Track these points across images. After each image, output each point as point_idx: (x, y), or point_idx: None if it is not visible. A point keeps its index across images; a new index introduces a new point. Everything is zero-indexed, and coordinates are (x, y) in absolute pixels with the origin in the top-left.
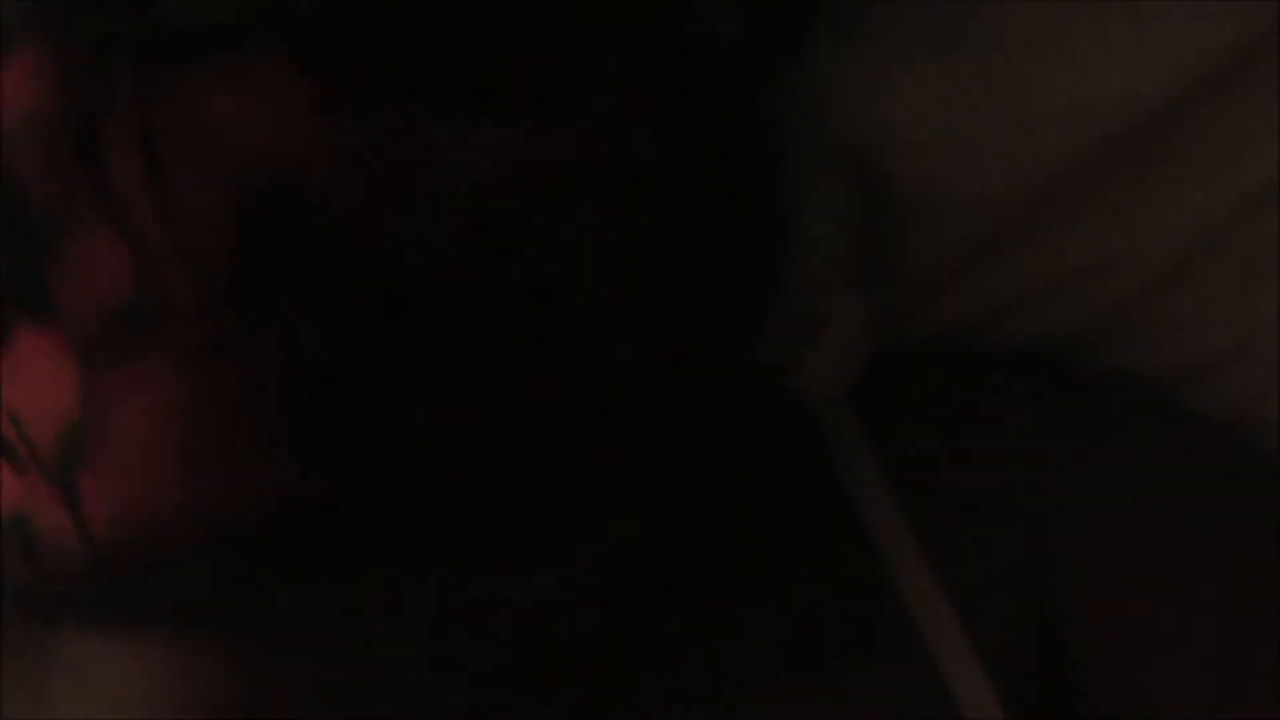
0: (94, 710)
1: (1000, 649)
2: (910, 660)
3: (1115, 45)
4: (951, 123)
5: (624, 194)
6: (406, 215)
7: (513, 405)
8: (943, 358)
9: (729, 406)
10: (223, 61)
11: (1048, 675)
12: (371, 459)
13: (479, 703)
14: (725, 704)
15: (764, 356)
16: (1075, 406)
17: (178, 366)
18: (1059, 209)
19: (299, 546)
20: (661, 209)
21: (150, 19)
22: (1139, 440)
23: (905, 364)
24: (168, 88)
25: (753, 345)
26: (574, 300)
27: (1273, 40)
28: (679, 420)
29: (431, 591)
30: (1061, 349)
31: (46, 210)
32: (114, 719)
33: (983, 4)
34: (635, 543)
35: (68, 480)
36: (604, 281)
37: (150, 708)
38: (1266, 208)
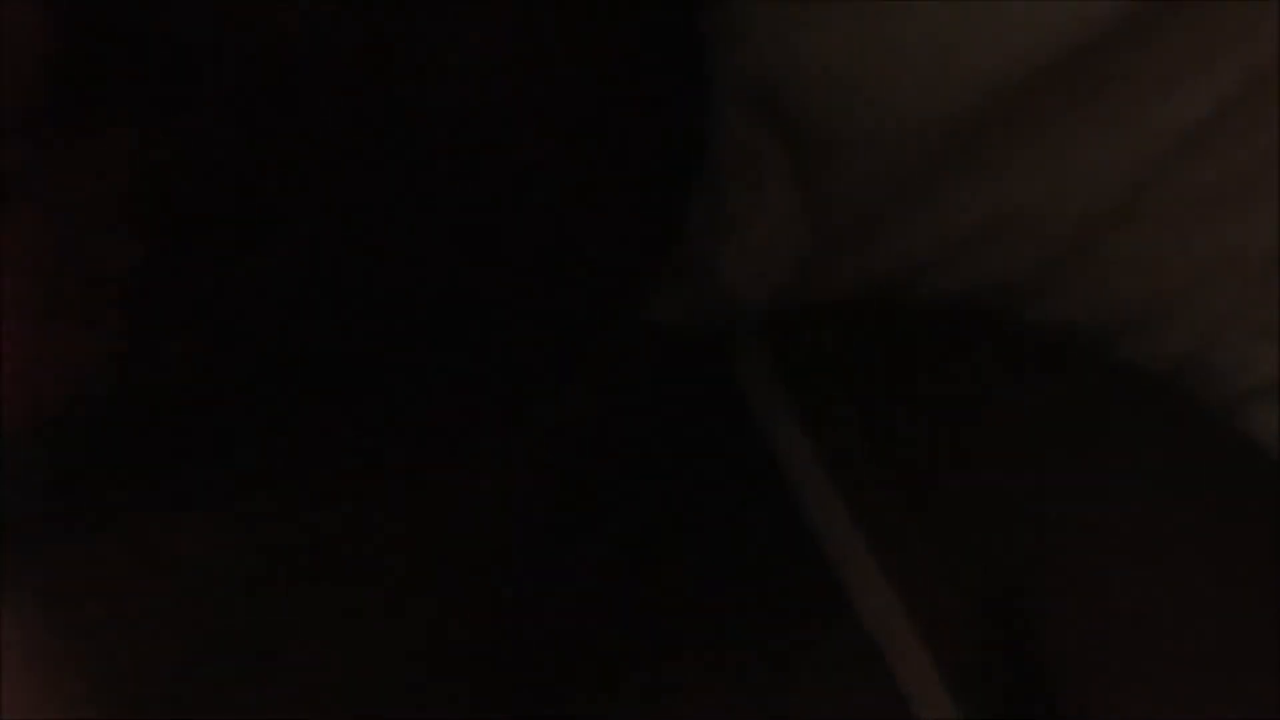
0: None
1: (959, 652)
2: (860, 662)
3: None
4: (864, 54)
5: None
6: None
7: (424, 248)
8: (870, 311)
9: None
10: None
11: (1013, 681)
12: (245, 320)
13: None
14: (656, 705)
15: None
16: (1027, 370)
17: None
18: (986, 148)
19: (147, 442)
20: (578, 22)
21: None
22: (1107, 412)
23: (829, 319)
24: None
25: (677, 230)
26: (483, 122)
27: None
28: (600, 303)
29: (334, 506)
30: (996, 300)
31: None
32: None
33: None
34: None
35: None
36: (517, 103)
37: None
38: (1206, 145)
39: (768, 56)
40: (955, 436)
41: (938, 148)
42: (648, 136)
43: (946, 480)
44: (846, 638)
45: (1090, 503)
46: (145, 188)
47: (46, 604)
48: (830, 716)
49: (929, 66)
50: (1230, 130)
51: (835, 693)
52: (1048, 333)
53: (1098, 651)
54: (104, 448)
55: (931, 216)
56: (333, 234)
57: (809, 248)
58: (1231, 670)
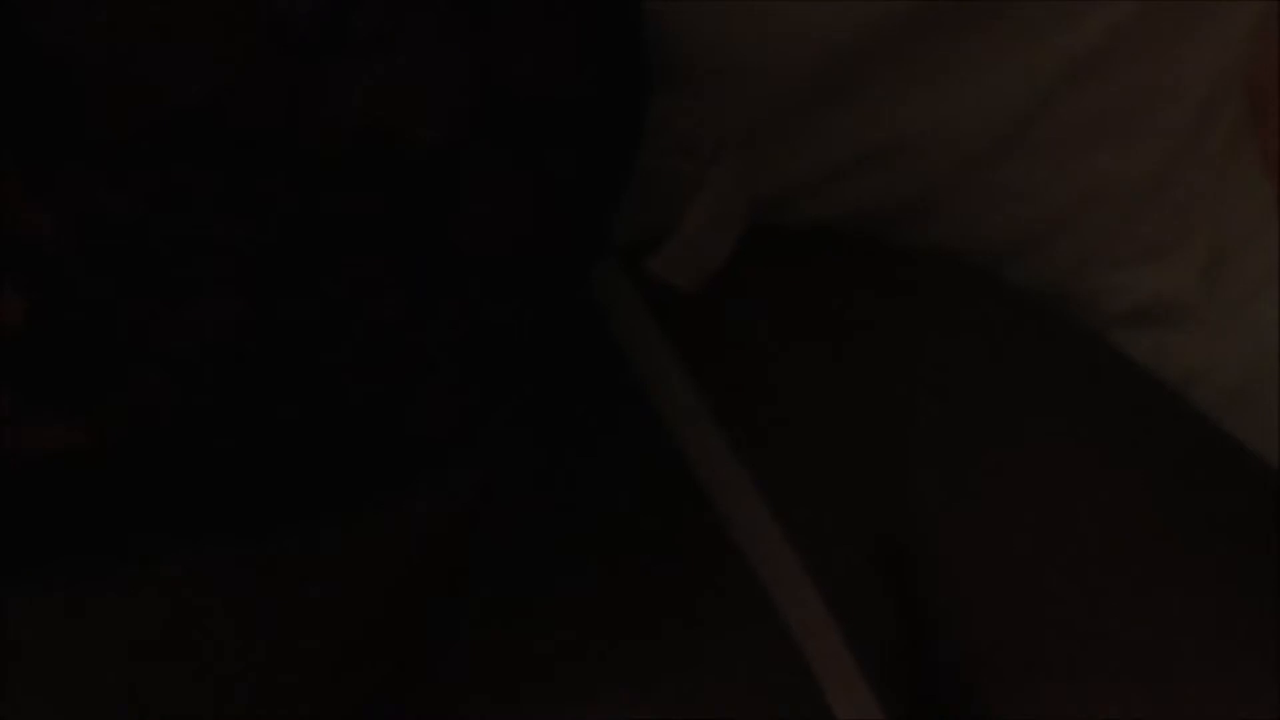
0: None
1: (853, 599)
2: (756, 616)
3: None
4: None
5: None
6: (169, 33)
7: (340, 298)
8: (756, 236)
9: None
10: None
11: (904, 626)
12: (137, 390)
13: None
14: (552, 679)
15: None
16: (920, 299)
17: None
18: (870, 79)
19: (39, 517)
20: (511, 22)
21: None
22: (1004, 345)
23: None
24: None
25: (611, 216)
26: (411, 142)
27: None
28: (535, 310)
29: (223, 563)
30: (877, 225)
31: None
32: None
33: None
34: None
35: None
36: (451, 113)
37: None
38: (1093, 75)
39: None
40: (843, 376)
41: (818, 78)
42: (591, 145)
43: (833, 423)
44: (737, 587)
45: (994, 445)
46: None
47: None
48: (724, 659)
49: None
50: (1117, 60)
51: (730, 654)
52: (933, 259)
53: (994, 599)
54: None
55: (813, 144)
56: (259, 289)
57: (744, 230)
58: (1127, 602)
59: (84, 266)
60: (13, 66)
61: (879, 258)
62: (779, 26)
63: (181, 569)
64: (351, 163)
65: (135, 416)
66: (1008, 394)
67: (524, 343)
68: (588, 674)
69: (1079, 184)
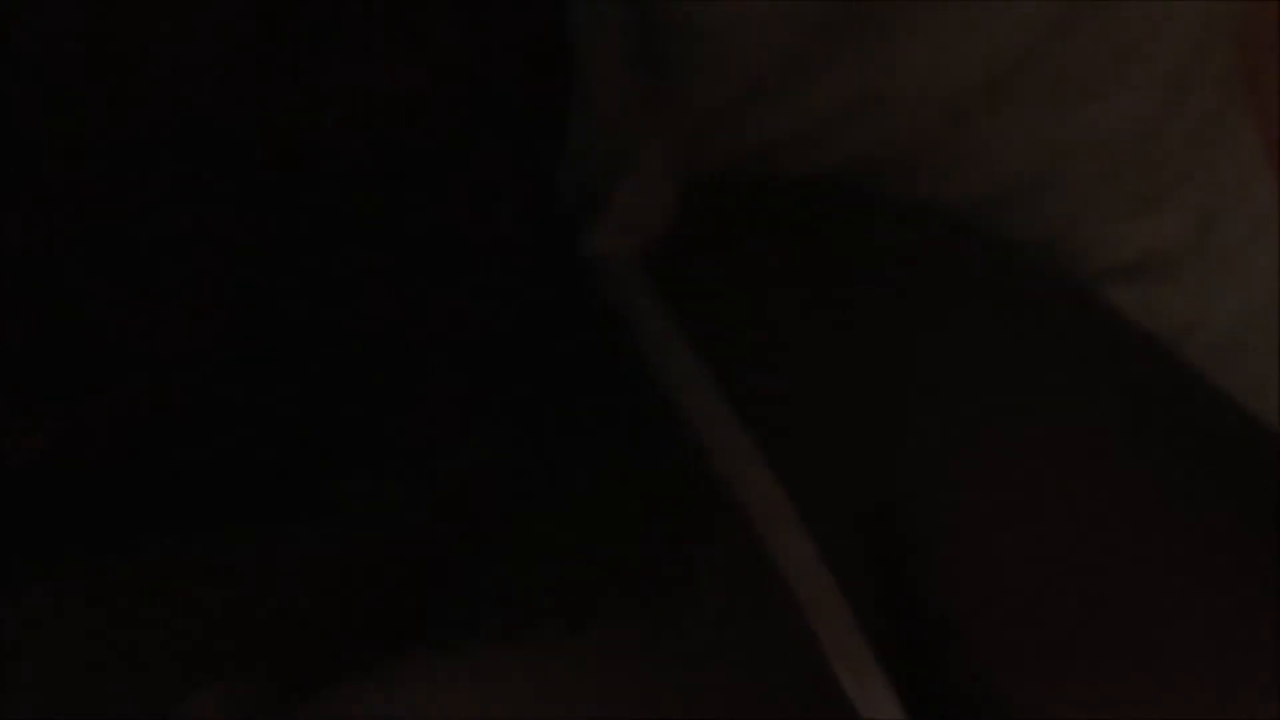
0: None
1: (846, 560)
2: (750, 572)
3: None
4: None
5: None
6: (139, 36)
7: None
8: (739, 188)
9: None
10: None
11: (892, 589)
12: (102, 394)
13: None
14: (542, 631)
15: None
16: (915, 265)
17: None
18: (851, 32)
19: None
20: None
21: None
22: (989, 302)
23: (696, 197)
24: None
25: (547, 188)
26: (392, 135)
27: None
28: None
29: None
30: (867, 177)
31: None
32: None
33: None
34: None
35: None
36: (439, 111)
37: None
38: (1078, 25)
39: None
40: (843, 347)
41: (806, 30)
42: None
43: (831, 385)
44: (733, 555)
45: (991, 418)
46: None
47: None
48: (722, 619)
49: None
50: (1096, 13)
51: (725, 616)
52: (924, 209)
53: (977, 558)
54: None
55: (802, 96)
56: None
57: (674, 207)
58: (1113, 557)
59: (65, 267)
60: None
61: (877, 217)
62: None
63: (169, 561)
64: (339, 161)
65: (115, 418)
66: (1007, 366)
67: (514, 335)
68: (584, 633)
69: (1067, 133)
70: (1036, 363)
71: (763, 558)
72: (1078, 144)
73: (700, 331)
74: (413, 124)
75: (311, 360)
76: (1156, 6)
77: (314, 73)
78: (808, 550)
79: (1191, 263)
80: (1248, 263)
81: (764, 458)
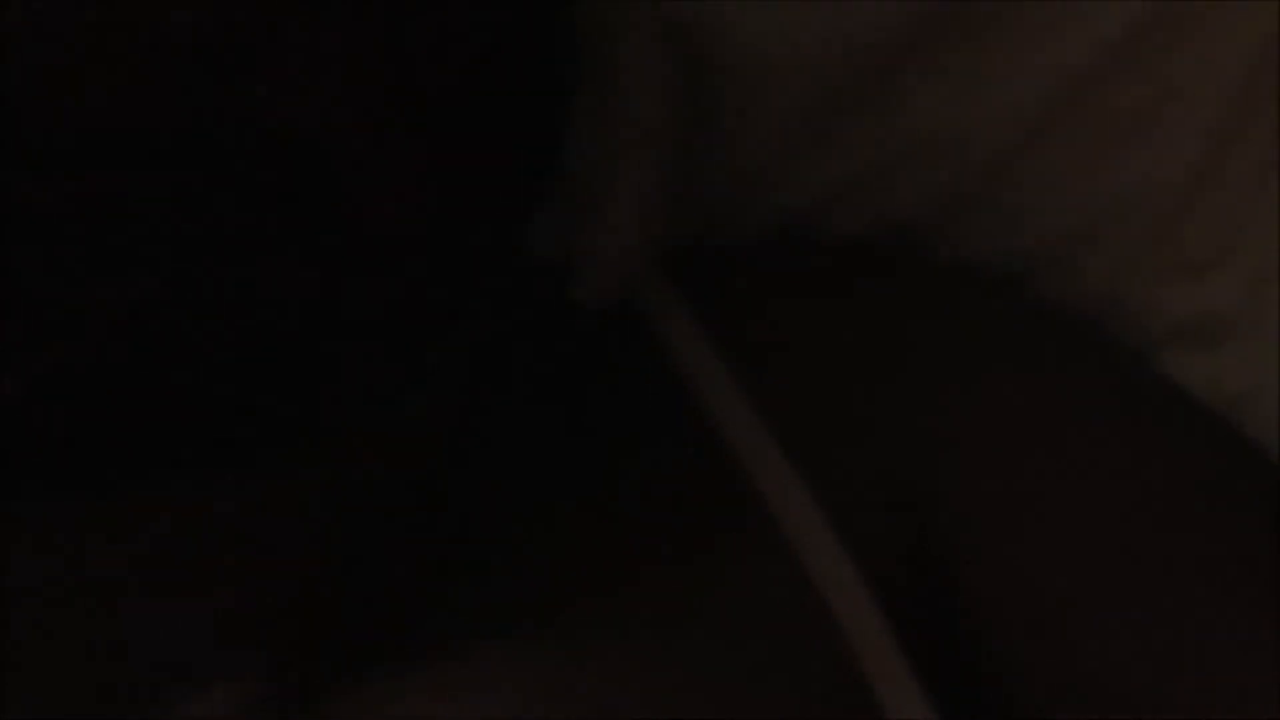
0: None
1: (871, 545)
2: (774, 560)
3: None
4: None
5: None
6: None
7: (245, 275)
8: (787, 247)
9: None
10: None
11: (920, 572)
12: (59, 343)
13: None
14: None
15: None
16: (933, 293)
17: None
18: (895, 78)
19: None
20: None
21: None
22: (1009, 330)
23: (746, 256)
24: None
25: (526, 218)
26: (316, 138)
27: None
28: (450, 300)
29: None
30: (905, 235)
31: None
32: None
33: None
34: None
35: None
36: (354, 112)
37: None
38: (1115, 71)
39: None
40: (873, 376)
41: (850, 78)
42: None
43: (863, 410)
44: (758, 542)
45: (986, 400)
46: None
47: None
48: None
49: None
50: (1138, 57)
51: (750, 599)
52: (960, 271)
53: (1004, 544)
54: None
55: (841, 151)
56: (173, 261)
57: (664, 235)
58: (1130, 536)
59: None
60: None
61: (907, 268)
62: (806, 31)
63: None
64: (262, 155)
65: (43, 378)
66: (1041, 409)
67: (438, 318)
68: (592, 624)
69: (1108, 189)
70: (1076, 400)
71: (788, 557)
72: (1119, 198)
73: (724, 334)
74: (333, 123)
75: (238, 335)
76: (1199, 53)
77: (239, 77)
78: (834, 547)
79: (1244, 328)
80: None
81: (787, 453)
